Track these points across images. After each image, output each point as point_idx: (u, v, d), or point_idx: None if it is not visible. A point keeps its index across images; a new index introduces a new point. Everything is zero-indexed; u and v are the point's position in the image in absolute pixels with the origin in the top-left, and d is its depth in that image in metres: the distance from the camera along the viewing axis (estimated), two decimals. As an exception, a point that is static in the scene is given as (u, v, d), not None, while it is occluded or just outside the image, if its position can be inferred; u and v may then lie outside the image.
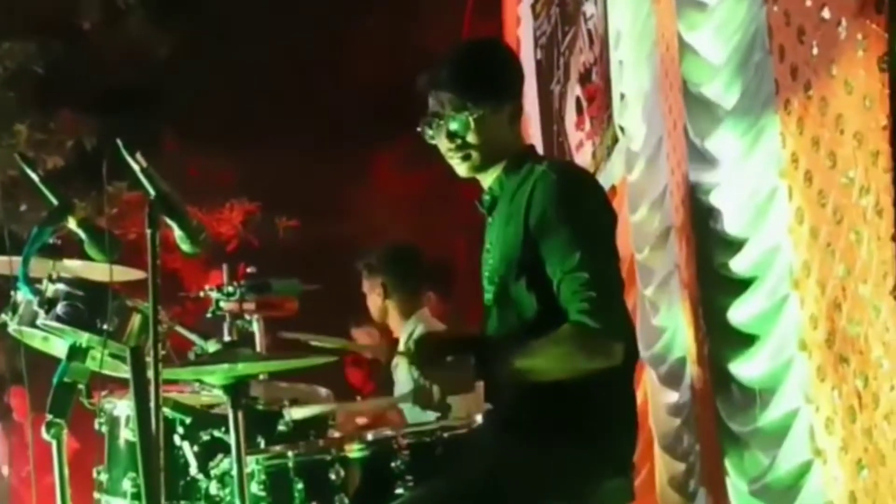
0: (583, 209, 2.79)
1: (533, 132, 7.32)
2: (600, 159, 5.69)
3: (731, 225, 3.60)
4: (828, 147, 3.06)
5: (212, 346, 3.93)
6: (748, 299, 3.48)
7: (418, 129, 2.94)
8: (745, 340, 3.55)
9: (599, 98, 5.67)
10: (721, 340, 3.73)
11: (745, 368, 3.56)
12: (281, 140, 11.64)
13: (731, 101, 3.51)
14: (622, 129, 5.06)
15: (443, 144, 2.93)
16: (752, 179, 3.42)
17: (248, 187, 10.59)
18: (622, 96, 5.10)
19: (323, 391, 4.27)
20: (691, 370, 4.23)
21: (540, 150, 7.18)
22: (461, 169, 2.94)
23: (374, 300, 4.89)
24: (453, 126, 2.87)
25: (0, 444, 9.16)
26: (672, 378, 4.43)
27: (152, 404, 2.84)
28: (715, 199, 3.68)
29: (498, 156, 2.93)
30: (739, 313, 3.56)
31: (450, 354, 2.92)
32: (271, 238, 10.29)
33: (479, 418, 3.85)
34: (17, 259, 3.50)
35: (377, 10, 11.99)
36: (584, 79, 5.96)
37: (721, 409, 3.73)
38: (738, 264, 3.52)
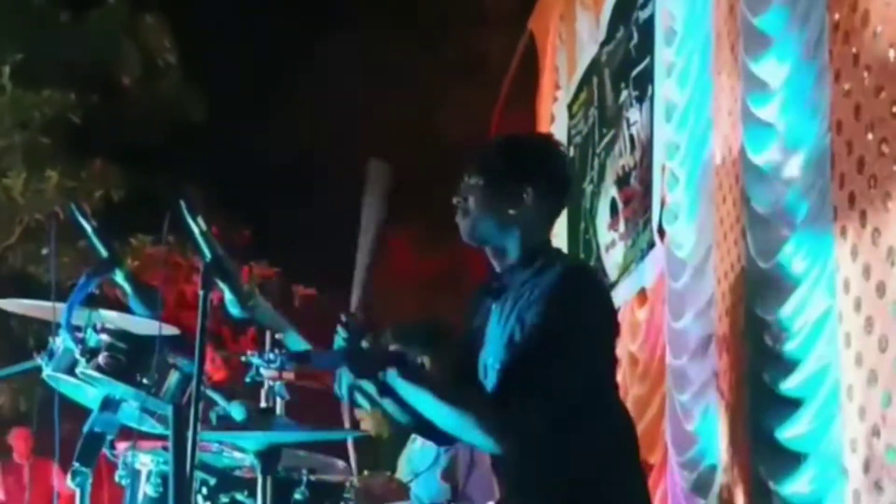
0: (572, 311, 2.69)
1: (558, 227, 7.39)
2: (631, 261, 5.74)
3: (784, 342, 3.62)
4: (878, 277, 3.10)
5: (234, 409, 3.93)
6: (796, 417, 3.49)
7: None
8: (790, 458, 3.55)
9: (636, 201, 5.74)
10: (766, 456, 3.73)
11: (789, 486, 3.56)
12: (301, 209, 11.75)
13: (794, 223, 3.56)
14: (661, 234, 5.11)
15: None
16: (808, 299, 3.47)
17: (266, 252, 10.67)
18: (663, 202, 5.17)
19: (340, 463, 4.27)
20: (721, 479, 4.23)
21: (564, 244, 7.28)
22: (461, 229, 2.96)
23: None
24: (463, 188, 2.92)
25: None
26: (701, 485, 4.42)
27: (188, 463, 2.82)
28: (770, 315, 3.71)
29: (491, 235, 2.87)
30: (787, 430, 3.57)
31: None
32: (286, 304, 10.32)
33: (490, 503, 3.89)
34: (59, 305, 3.50)
35: (407, 93, 12.17)
36: (622, 181, 6.04)
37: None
38: (790, 381, 3.54)
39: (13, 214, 9.96)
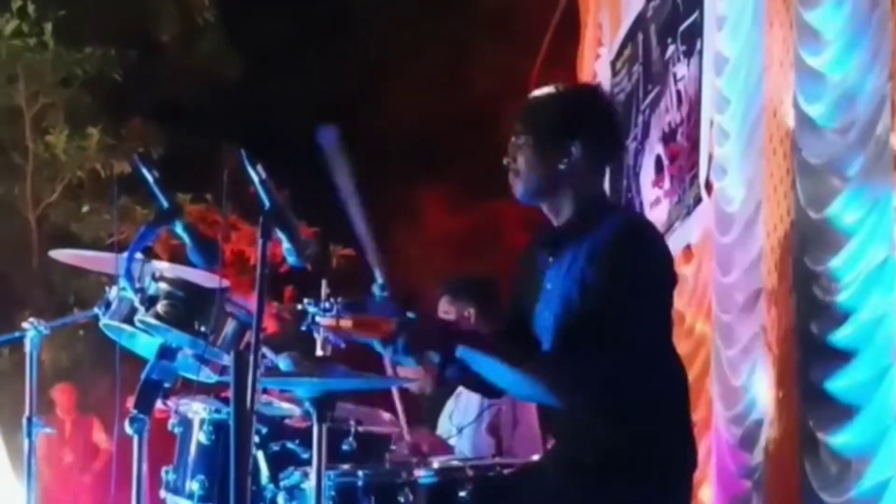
0: (633, 267, 2.75)
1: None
2: (676, 217, 5.74)
3: (836, 293, 3.63)
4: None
5: (282, 361, 3.98)
6: (848, 369, 3.50)
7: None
8: (841, 410, 3.56)
9: (683, 157, 5.74)
10: (815, 409, 3.74)
11: (840, 438, 3.57)
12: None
13: (849, 172, 3.56)
14: (708, 189, 5.11)
15: None
16: (863, 250, 3.47)
17: (304, 212, 10.69)
18: (710, 157, 5.16)
19: (386, 415, 4.32)
20: (768, 433, 4.25)
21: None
22: (514, 190, 2.94)
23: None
24: (511, 148, 2.91)
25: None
26: (747, 440, 4.44)
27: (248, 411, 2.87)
28: (821, 267, 3.71)
29: (543, 193, 2.89)
30: (838, 382, 3.58)
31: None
32: (325, 265, 10.36)
33: (535, 457, 3.92)
34: (116, 256, 3.53)
35: (443, 50, 12.15)
36: (668, 138, 6.03)
37: (812, 479, 3.72)
38: (841, 333, 3.54)
39: (55, 172, 10.06)
